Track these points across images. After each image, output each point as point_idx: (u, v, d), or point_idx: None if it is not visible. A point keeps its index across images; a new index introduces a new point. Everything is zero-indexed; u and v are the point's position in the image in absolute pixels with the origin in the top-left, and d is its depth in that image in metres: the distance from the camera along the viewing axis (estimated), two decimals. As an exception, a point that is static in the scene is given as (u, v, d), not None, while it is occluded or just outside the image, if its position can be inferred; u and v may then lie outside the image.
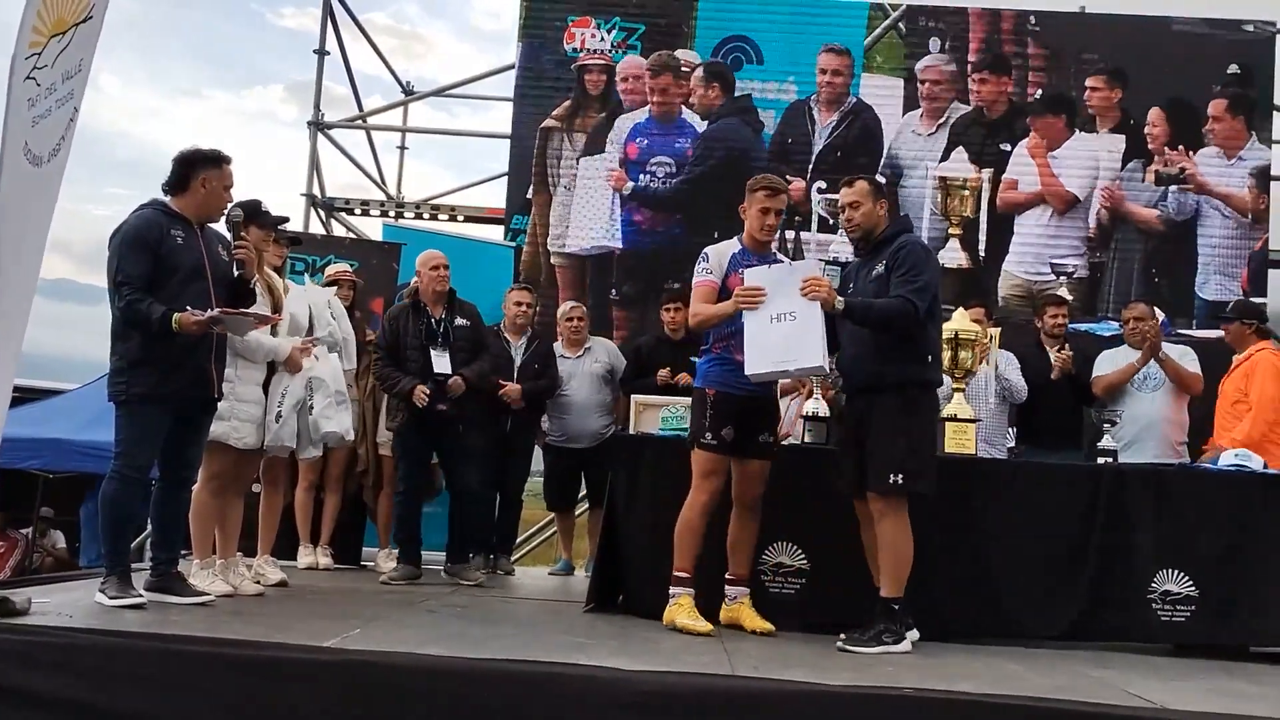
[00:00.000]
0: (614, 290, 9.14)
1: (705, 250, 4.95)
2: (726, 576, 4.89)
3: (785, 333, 4.47)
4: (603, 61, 9.34)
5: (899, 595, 4.50)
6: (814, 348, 4.43)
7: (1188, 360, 6.29)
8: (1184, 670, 4.49)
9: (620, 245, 9.20)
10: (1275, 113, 9.33)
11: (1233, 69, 9.12)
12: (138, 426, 4.47)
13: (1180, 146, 9.10)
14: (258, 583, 5.24)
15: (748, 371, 4.60)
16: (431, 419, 6.05)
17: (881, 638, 4.40)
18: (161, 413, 4.49)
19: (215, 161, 4.63)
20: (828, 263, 5.06)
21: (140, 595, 4.38)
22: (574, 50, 9.33)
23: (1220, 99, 9.13)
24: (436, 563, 6.34)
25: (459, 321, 6.24)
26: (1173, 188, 9.06)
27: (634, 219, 9.23)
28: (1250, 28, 9.24)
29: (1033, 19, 9.36)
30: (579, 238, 9.22)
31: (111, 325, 4.51)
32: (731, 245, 4.93)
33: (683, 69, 9.32)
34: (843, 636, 4.43)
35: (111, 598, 4.31)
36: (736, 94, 9.32)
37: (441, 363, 6.07)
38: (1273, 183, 9.30)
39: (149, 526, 4.86)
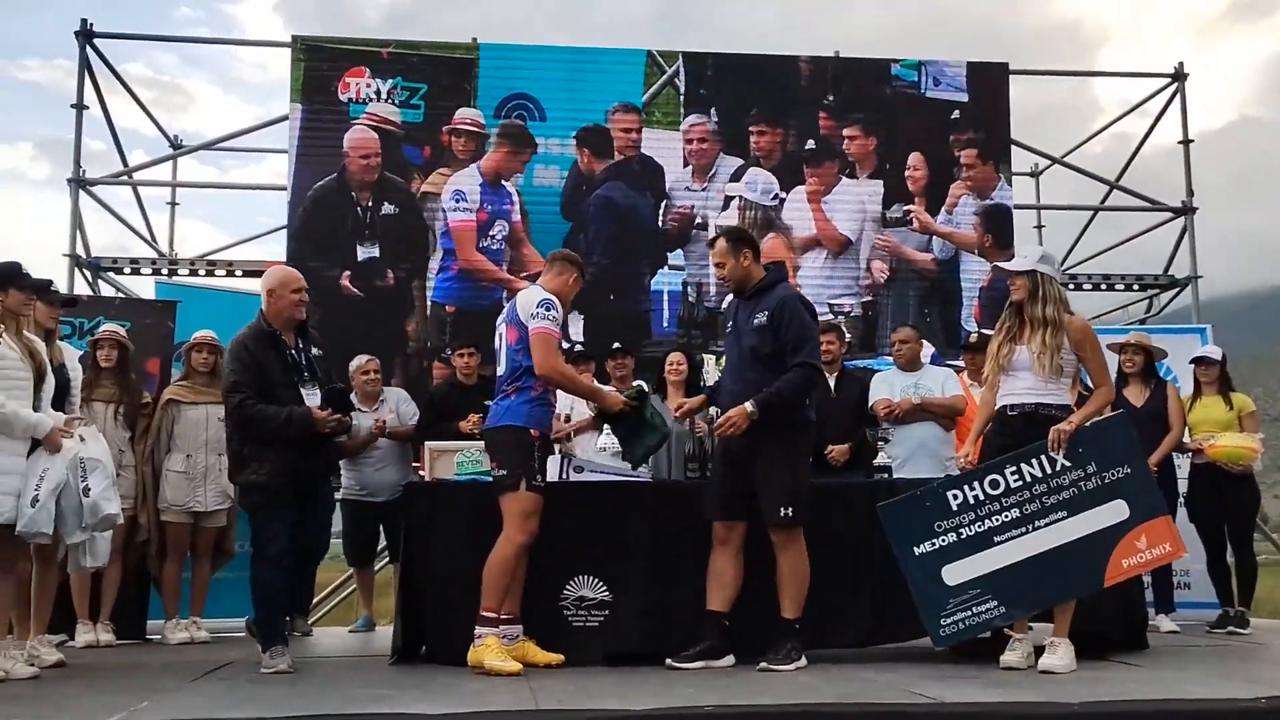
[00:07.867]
0: (447, 348, 8.69)
1: (546, 298, 4.92)
2: (502, 616, 4.82)
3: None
4: (473, 128, 9.31)
5: (800, 616, 4.84)
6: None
7: (950, 383, 6.73)
8: (960, 668, 4.78)
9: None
10: (1013, 146, 10.15)
11: (955, 114, 9.87)
12: None
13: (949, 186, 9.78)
14: (32, 664, 4.90)
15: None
16: (305, 466, 5.03)
17: (791, 655, 4.75)
18: None
19: None
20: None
21: None
22: (348, 100, 9.26)
23: (970, 148, 9.84)
24: (228, 629, 6.08)
25: (315, 352, 5.23)
26: (910, 228, 9.71)
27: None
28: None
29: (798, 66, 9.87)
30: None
31: None
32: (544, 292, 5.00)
33: (471, 130, 9.33)
34: (762, 662, 4.72)
35: None
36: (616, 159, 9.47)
37: (313, 400, 5.01)
38: (1017, 211, 10.10)
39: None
